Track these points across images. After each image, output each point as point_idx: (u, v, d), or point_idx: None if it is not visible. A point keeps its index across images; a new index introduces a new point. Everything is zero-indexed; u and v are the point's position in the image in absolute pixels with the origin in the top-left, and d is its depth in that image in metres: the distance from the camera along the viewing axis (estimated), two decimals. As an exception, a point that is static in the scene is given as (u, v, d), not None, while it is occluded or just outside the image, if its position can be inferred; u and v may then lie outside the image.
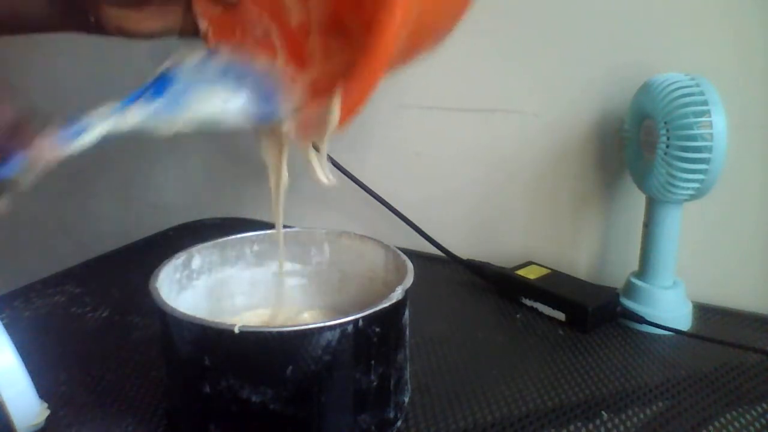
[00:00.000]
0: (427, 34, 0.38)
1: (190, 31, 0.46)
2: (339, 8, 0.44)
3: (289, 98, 0.38)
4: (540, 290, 0.55)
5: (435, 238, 0.63)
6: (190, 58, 0.38)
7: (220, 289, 0.46)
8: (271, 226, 0.45)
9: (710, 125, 0.46)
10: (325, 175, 0.38)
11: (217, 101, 0.35)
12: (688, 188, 0.48)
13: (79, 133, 0.32)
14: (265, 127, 0.39)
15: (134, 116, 0.33)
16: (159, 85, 0.36)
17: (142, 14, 0.44)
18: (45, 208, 0.96)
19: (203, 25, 0.44)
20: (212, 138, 0.80)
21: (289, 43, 0.44)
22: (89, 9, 0.42)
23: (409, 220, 0.64)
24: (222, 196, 0.84)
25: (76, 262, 0.66)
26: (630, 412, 0.41)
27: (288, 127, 0.38)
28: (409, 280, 0.38)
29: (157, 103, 0.34)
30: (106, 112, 0.33)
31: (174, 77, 0.36)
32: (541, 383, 0.44)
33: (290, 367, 0.33)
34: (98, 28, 0.43)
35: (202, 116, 0.35)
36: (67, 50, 0.83)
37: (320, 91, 0.40)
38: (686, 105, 0.46)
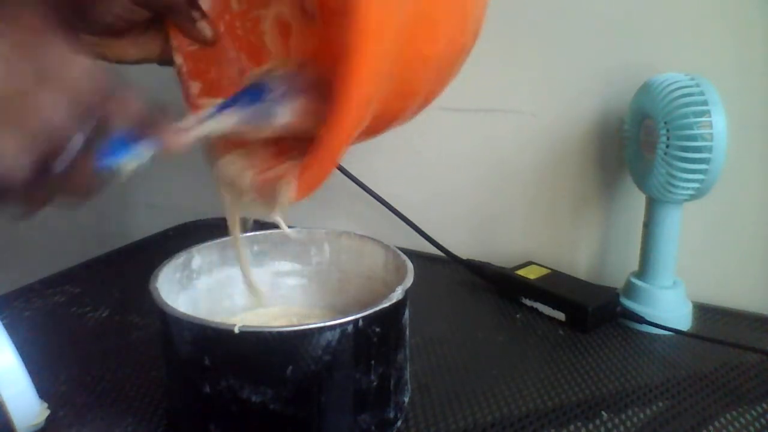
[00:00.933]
0: (393, 116, 0.38)
1: (170, 60, 0.46)
2: (320, 57, 0.45)
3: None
4: (540, 290, 0.55)
5: (435, 238, 0.63)
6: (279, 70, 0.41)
7: (220, 289, 0.46)
8: (271, 226, 0.45)
9: (710, 125, 0.46)
10: (287, 230, 0.40)
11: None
12: (688, 188, 0.48)
13: (196, 126, 0.35)
14: (227, 185, 0.40)
15: (234, 118, 0.36)
16: (253, 92, 0.38)
17: (121, 43, 0.44)
18: (45, 208, 0.96)
19: (178, 59, 0.44)
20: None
21: None
22: (73, 35, 0.42)
23: (409, 220, 0.64)
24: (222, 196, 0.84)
25: (76, 262, 0.66)
26: (630, 412, 0.41)
27: (247, 189, 0.38)
28: (409, 280, 0.38)
29: (252, 110, 0.37)
30: (212, 111, 0.36)
31: (265, 87, 0.38)
32: (541, 383, 0.44)
33: (290, 367, 0.33)
34: (84, 53, 0.43)
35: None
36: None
37: (285, 151, 0.41)
38: (686, 105, 0.46)
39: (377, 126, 0.37)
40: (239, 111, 0.37)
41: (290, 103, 0.38)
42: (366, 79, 0.29)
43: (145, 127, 0.32)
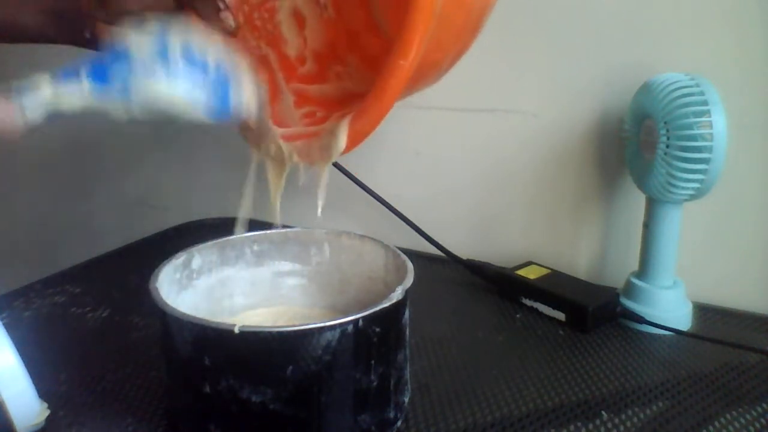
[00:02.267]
0: (429, 71, 0.40)
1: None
2: (335, 41, 0.48)
3: (247, 96, 0.37)
4: (540, 290, 0.55)
5: (435, 238, 0.63)
6: (146, 35, 0.35)
7: (220, 289, 0.46)
8: (271, 225, 0.45)
9: (710, 125, 0.46)
10: (321, 204, 0.40)
11: (167, 90, 0.34)
12: (688, 188, 0.48)
13: (25, 101, 0.31)
14: (268, 150, 0.40)
15: (83, 94, 0.33)
16: (110, 60, 0.34)
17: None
18: (45, 208, 0.96)
19: None
20: (212, 138, 0.80)
21: (285, 68, 0.47)
22: (87, 24, 0.42)
23: (409, 220, 0.64)
24: (222, 196, 0.84)
25: (76, 262, 0.66)
26: (630, 412, 0.41)
27: (288, 150, 0.38)
28: (409, 280, 0.38)
29: (107, 86, 0.33)
30: (49, 79, 0.32)
31: (126, 56, 0.34)
32: (541, 383, 0.44)
33: (290, 367, 0.33)
34: (93, 43, 0.43)
35: (156, 106, 0.34)
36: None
37: (315, 117, 0.42)
38: (686, 105, 0.46)
39: (414, 81, 0.38)
40: (95, 85, 0.33)
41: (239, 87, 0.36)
42: (426, 15, 0.32)
43: None
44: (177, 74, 0.34)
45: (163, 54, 0.34)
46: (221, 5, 0.44)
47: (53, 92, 0.32)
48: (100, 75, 0.33)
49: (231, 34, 0.44)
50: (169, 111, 0.34)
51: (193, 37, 0.36)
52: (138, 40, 0.34)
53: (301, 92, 0.46)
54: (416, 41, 0.32)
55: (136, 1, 0.42)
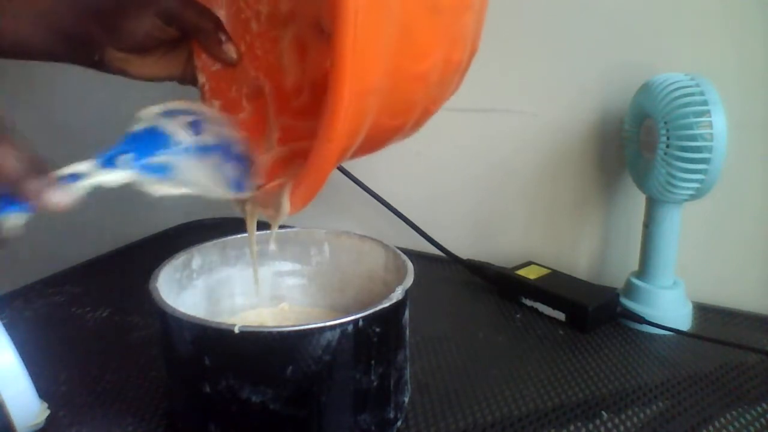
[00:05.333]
0: (390, 133, 0.39)
1: (190, 80, 0.48)
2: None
3: (254, 180, 0.39)
4: (540, 290, 0.55)
5: (435, 238, 0.63)
6: (172, 123, 0.39)
7: (220, 289, 0.46)
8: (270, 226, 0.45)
9: (710, 125, 0.46)
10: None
11: (199, 178, 0.38)
12: (688, 188, 0.48)
13: (73, 184, 0.34)
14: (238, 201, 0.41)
15: (122, 176, 0.36)
16: (142, 142, 0.37)
17: (145, 60, 0.45)
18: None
19: (202, 78, 0.45)
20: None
21: (279, 100, 0.47)
22: (96, 49, 0.43)
23: (409, 220, 0.64)
24: (222, 196, 0.84)
25: (76, 262, 0.66)
26: (630, 412, 0.41)
27: (249, 204, 0.40)
28: (409, 280, 0.38)
29: (144, 169, 0.36)
30: (94, 164, 0.35)
31: (156, 138, 0.37)
32: (541, 383, 0.44)
33: (290, 367, 0.33)
34: (102, 66, 0.44)
35: (190, 186, 0.37)
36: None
37: (286, 162, 0.43)
38: (686, 105, 0.46)
39: (374, 143, 0.37)
40: (131, 167, 0.36)
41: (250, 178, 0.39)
42: (350, 96, 0.30)
43: (19, 187, 0.31)
44: (208, 150, 0.38)
45: (196, 128, 0.38)
46: (223, 37, 0.45)
47: (100, 178, 0.35)
48: (139, 157, 0.36)
49: (232, 64, 0.46)
50: (200, 185, 0.38)
51: (205, 117, 0.40)
52: (169, 121, 0.38)
53: (289, 128, 0.46)
54: (339, 123, 0.30)
55: (144, 32, 0.42)
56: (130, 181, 0.36)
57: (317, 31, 0.48)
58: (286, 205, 0.35)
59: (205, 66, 0.45)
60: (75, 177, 0.34)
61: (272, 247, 0.47)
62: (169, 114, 0.38)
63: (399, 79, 0.32)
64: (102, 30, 0.42)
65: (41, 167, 0.32)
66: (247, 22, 0.47)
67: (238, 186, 0.38)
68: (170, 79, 0.48)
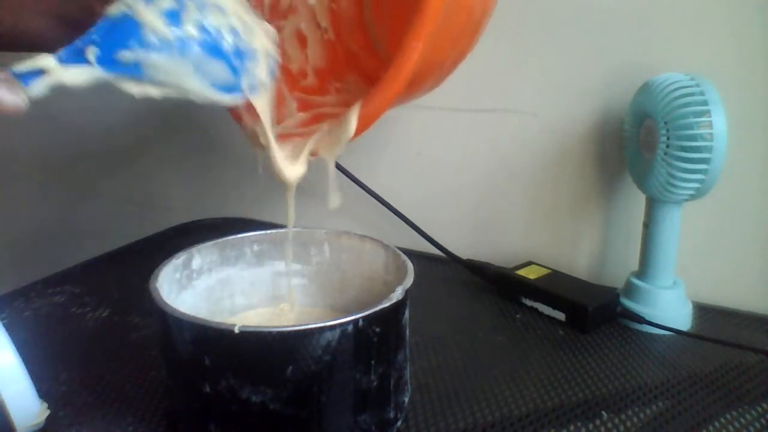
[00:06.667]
0: (430, 72, 0.42)
1: None
2: (335, 60, 0.52)
3: (261, 73, 0.36)
4: (540, 290, 0.55)
5: (435, 238, 0.63)
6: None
7: (220, 289, 0.46)
8: (271, 225, 0.45)
9: (710, 125, 0.46)
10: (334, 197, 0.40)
11: (180, 66, 0.32)
12: (688, 188, 0.48)
13: (33, 78, 0.30)
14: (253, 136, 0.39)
15: (87, 73, 0.31)
16: (113, 32, 0.31)
17: None
18: (45, 208, 0.96)
19: None
20: (212, 138, 0.80)
21: (288, 79, 0.49)
22: None
23: (409, 220, 0.64)
24: (222, 196, 0.84)
25: (76, 262, 0.66)
26: (630, 412, 0.41)
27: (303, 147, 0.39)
28: (409, 280, 0.38)
29: (113, 65, 0.31)
30: (56, 59, 0.31)
31: (133, 22, 0.31)
32: (541, 383, 0.44)
33: (290, 367, 0.33)
34: None
35: (168, 82, 0.32)
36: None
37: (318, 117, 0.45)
38: (686, 105, 0.46)
39: (416, 84, 0.39)
40: (107, 57, 0.31)
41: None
42: (433, 16, 0.34)
43: None
44: (191, 44, 0.32)
45: (175, 18, 0.31)
46: None
47: (58, 75, 0.31)
48: (107, 51, 0.31)
49: None
50: (181, 87, 0.33)
51: None
52: (145, 7, 0.31)
53: (303, 100, 0.48)
54: (429, 21, 0.34)
55: None
56: (96, 79, 0.31)
57: (315, 25, 0.52)
58: (353, 121, 0.35)
59: None
60: (33, 74, 0.30)
61: (334, 202, 0.40)
62: None
63: (454, 5, 0.36)
64: (105, 4, 0.41)
65: None
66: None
67: (230, 89, 0.34)
68: None
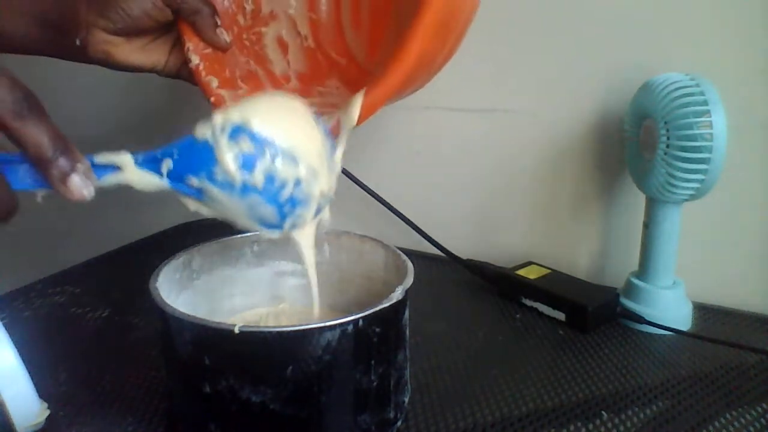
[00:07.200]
0: (424, 69, 0.43)
1: (172, 72, 0.49)
2: (316, 66, 0.53)
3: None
4: (540, 290, 0.55)
5: (435, 238, 0.63)
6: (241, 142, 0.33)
7: (220, 289, 0.46)
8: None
9: (710, 125, 0.46)
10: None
11: (232, 212, 0.34)
12: (688, 188, 0.48)
13: (107, 172, 0.32)
14: None
15: (154, 183, 0.34)
16: (189, 154, 0.33)
17: (132, 45, 0.45)
18: (45, 208, 0.96)
19: (195, 59, 0.46)
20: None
21: (273, 83, 0.50)
22: (80, 31, 0.42)
23: (409, 220, 0.64)
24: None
25: (76, 262, 0.66)
26: (630, 412, 0.41)
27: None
28: (409, 280, 0.38)
29: (179, 184, 0.34)
30: (131, 160, 0.33)
31: (210, 155, 0.33)
32: (541, 383, 0.44)
33: (290, 367, 0.33)
34: (83, 52, 0.43)
35: (222, 213, 0.35)
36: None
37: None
38: (686, 105, 0.46)
39: (411, 78, 0.41)
40: (176, 176, 0.33)
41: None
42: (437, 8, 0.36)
43: (47, 167, 0.30)
44: (252, 192, 0.33)
45: (248, 164, 0.32)
46: (219, 21, 0.45)
47: (130, 176, 0.33)
48: (179, 171, 0.33)
49: (223, 49, 0.47)
50: (229, 218, 0.35)
51: (290, 144, 0.33)
52: (226, 145, 0.32)
53: None
54: (434, 12, 0.36)
55: (137, 10, 0.42)
56: (159, 188, 0.34)
57: (295, 33, 0.53)
58: (356, 110, 0.36)
59: (196, 48, 0.46)
60: (109, 168, 0.32)
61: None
62: (237, 132, 0.32)
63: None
64: (91, 6, 0.41)
65: (71, 151, 0.30)
66: (234, 16, 0.50)
67: (272, 226, 0.35)
68: (152, 69, 0.48)
